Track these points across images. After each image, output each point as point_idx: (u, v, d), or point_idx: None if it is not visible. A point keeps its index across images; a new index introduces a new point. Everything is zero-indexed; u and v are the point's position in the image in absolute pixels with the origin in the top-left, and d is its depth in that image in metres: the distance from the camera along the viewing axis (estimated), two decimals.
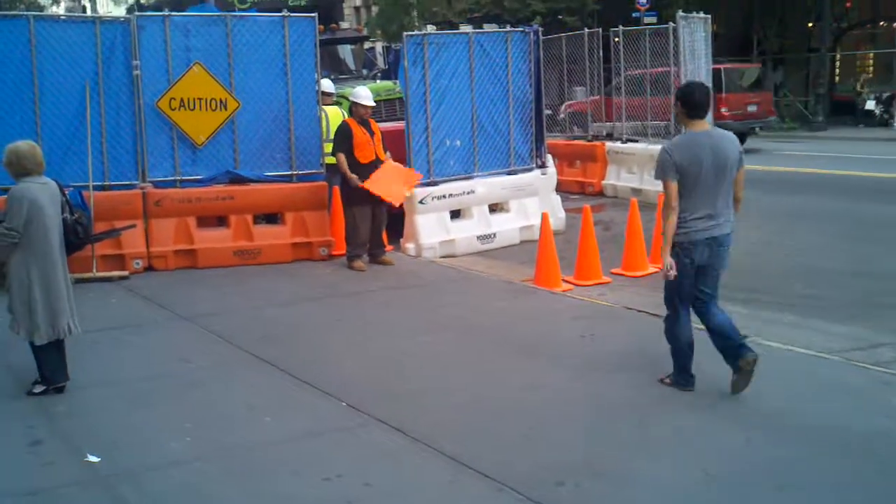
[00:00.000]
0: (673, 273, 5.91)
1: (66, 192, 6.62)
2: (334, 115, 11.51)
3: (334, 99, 12.33)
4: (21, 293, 6.12)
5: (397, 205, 10.47)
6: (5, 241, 6.07)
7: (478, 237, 11.55)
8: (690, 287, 6.08)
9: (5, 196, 6.30)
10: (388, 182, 10.19)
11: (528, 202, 12.15)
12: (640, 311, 8.27)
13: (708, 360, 6.20)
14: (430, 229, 11.17)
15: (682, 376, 6.23)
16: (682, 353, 6.19)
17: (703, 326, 6.21)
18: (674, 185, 5.85)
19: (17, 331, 6.23)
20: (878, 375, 6.47)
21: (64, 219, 6.36)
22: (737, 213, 6.17)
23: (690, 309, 6.21)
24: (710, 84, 13.32)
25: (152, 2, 28.20)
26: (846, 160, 19.58)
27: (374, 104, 10.52)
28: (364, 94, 10.33)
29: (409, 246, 11.13)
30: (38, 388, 6.30)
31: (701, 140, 5.86)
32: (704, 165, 5.80)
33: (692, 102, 5.90)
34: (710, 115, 6.45)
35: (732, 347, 6.04)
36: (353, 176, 9.99)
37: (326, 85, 11.69)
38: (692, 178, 5.82)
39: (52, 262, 6.18)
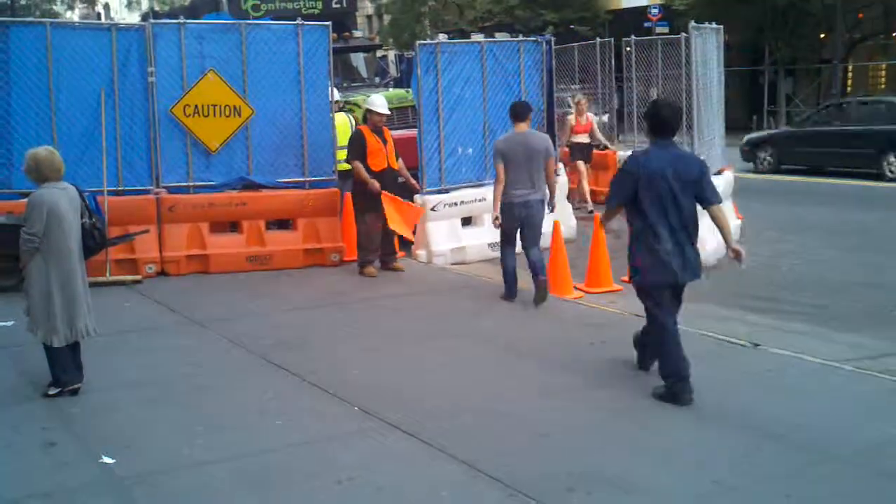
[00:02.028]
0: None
1: (85, 197, 6.68)
2: (340, 123, 11.56)
3: (340, 105, 12.38)
4: (40, 296, 6.20)
5: (407, 236, 10.53)
6: (26, 246, 6.15)
7: (489, 244, 11.55)
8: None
9: (25, 201, 6.37)
10: (396, 216, 10.24)
11: None
12: None
13: (715, 373, 6.20)
14: (442, 236, 11.21)
15: (506, 289, 9.08)
16: (507, 274, 9.04)
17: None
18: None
19: (35, 333, 6.30)
20: (887, 384, 6.48)
21: (82, 223, 6.43)
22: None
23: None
24: (722, 93, 13.33)
25: (167, 9, 28.37)
26: (859, 170, 19.51)
27: (388, 112, 10.57)
28: (379, 102, 10.39)
29: (421, 253, 11.17)
30: (53, 391, 6.36)
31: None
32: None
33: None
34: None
35: (534, 276, 8.83)
36: (374, 183, 9.98)
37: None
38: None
39: (70, 266, 6.25)
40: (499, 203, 8.74)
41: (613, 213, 6.52)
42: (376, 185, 9.98)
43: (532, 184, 8.74)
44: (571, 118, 15.21)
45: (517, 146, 8.72)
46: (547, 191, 8.97)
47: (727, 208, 12.55)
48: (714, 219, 6.29)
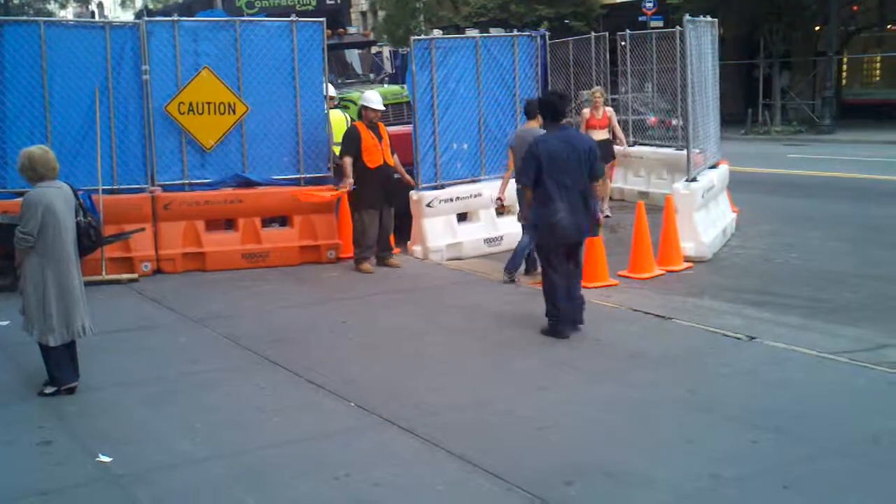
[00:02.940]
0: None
1: (80, 196, 6.67)
2: (337, 120, 11.54)
3: (336, 102, 12.37)
4: (36, 295, 6.19)
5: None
6: (21, 246, 6.13)
7: (485, 240, 11.58)
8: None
9: (20, 200, 6.36)
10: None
11: None
12: (646, 312, 8.30)
13: (712, 367, 6.20)
14: (438, 232, 11.21)
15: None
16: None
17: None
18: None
19: (30, 332, 6.29)
20: (884, 376, 6.49)
21: (78, 222, 6.42)
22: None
23: None
24: (717, 87, 13.32)
25: (161, 7, 28.31)
26: (854, 163, 19.57)
27: (384, 108, 10.57)
28: (375, 98, 10.39)
29: (417, 248, 11.17)
30: (49, 389, 6.35)
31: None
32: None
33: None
34: None
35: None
36: (350, 181, 10.09)
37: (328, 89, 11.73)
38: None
39: (66, 265, 6.24)
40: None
41: (526, 187, 7.82)
42: (350, 182, 10.07)
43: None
44: (586, 111, 14.08)
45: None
46: None
47: (723, 201, 12.59)
48: (593, 188, 7.75)
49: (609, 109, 14.22)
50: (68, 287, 6.25)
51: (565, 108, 7.91)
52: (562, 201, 7.46)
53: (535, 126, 9.18)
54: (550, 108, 7.77)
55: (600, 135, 13.67)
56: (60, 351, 6.32)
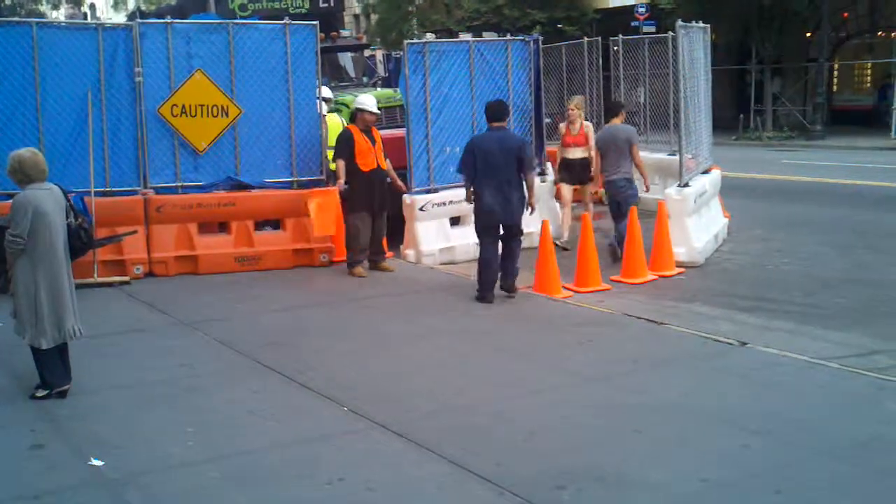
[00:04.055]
0: None
1: (70, 198, 6.65)
2: (334, 124, 11.55)
3: (332, 106, 12.37)
4: (27, 298, 6.17)
5: (321, 234, 10.53)
6: (12, 248, 6.12)
7: (477, 244, 11.55)
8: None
9: (10, 202, 6.34)
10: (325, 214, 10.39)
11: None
12: (639, 317, 8.32)
13: (703, 372, 6.21)
14: (430, 236, 11.22)
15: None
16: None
17: None
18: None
19: (23, 336, 6.27)
20: (874, 381, 6.52)
21: (68, 224, 6.40)
22: None
23: None
24: (710, 92, 13.34)
25: (153, 9, 28.27)
26: (845, 169, 19.66)
27: (378, 111, 10.58)
28: (370, 101, 10.42)
29: (409, 252, 11.18)
30: (41, 392, 6.33)
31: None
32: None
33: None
34: None
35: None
36: (341, 182, 10.13)
37: (324, 91, 11.74)
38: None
39: (57, 267, 6.22)
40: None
41: (467, 181, 9.22)
42: (341, 184, 10.11)
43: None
44: (562, 126, 12.58)
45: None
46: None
47: (715, 207, 12.63)
48: (528, 185, 9.09)
49: (587, 124, 12.61)
50: (59, 289, 6.24)
51: (504, 113, 9.25)
52: (489, 188, 8.85)
53: (619, 122, 11.12)
54: (491, 111, 9.11)
55: (577, 153, 12.23)
56: (52, 354, 6.30)
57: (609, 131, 11.13)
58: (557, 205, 12.72)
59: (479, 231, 9.24)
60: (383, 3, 39.23)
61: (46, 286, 6.19)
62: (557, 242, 11.36)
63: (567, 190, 12.39)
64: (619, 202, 10.92)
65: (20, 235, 6.08)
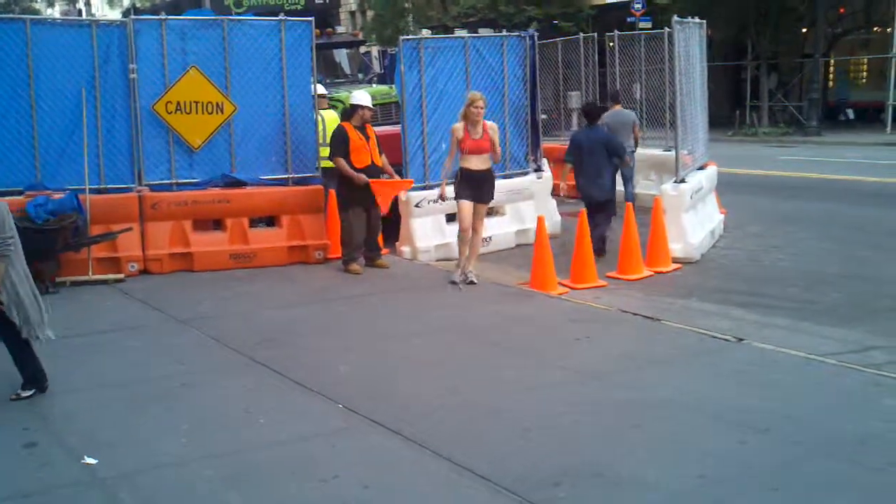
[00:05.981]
0: None
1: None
2: (331, 120, 11.52)
3: (329, 103, 12.34)
4: (29, 297, 6.14)
5: (385, 210, 10.50)
6: (7, 253, 6.08)
7: None
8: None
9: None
10: (386, 193, 10.35)
11: (523, 206, 12.18)
12: (635, 314, 8.30)
13: (700, 368, 6.20)
14: (426, 232, 11.19)
15: None
16: None
17: None
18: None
19: (35, 336, 6.21)
20: (871, 377, 6.50)
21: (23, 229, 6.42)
22: None
23: None
24: (706, 88, 13.33)
25: (148, 5, 28.20)
26: (841, 164, 19.66)
27: (374, 108, 10.55)
28: (366, 97, 10.39)
29: (405, 249, 11.15)
30: (27, 392, 6.29)
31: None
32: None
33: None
34: None
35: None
36: (361, 175, 10.03)
37: (319, 88, 11.71)
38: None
39: (25, 267, 6.27)
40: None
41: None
42: (363, 177, 10.01)
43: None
44: (458, 126, 9.40)
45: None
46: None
47: (711, 202, 12.62)
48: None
49: (491, 124, 9.48)
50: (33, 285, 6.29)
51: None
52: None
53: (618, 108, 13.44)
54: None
55: (476, 162, 9.32)
56: (31, 350, 6.29)
57: (617, 114, 13.28)
58: (553, 203, 12.71)
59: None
60: None
61: (30, 280, 6.24)
62: (456, 280, 9.45)
63: (468, 209, 9.46)
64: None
65: (12, 236, 6.06)
